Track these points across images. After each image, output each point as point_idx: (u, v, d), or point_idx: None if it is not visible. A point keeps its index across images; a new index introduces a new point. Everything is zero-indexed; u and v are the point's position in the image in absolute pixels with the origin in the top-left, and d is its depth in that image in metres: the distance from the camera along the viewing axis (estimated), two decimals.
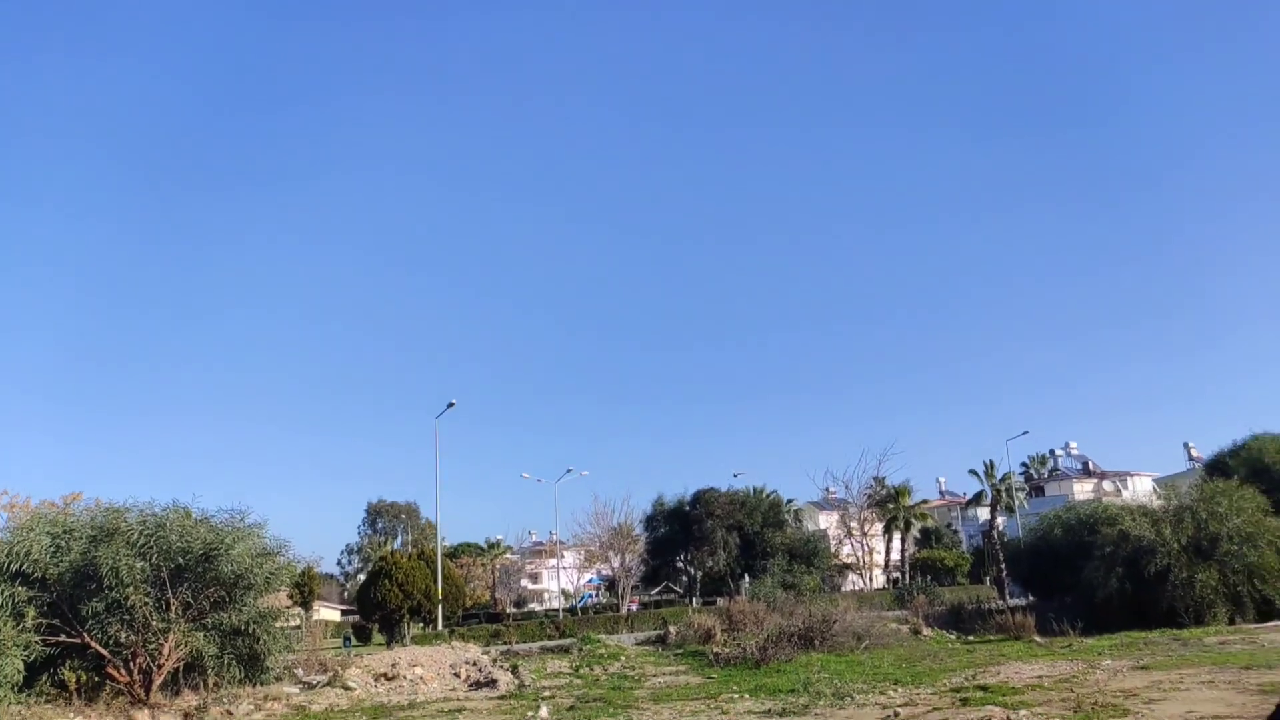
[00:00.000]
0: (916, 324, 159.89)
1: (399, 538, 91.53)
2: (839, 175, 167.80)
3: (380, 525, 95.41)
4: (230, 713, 23.51)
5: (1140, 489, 78.29)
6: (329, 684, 27.19)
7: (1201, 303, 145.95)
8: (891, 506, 65.84)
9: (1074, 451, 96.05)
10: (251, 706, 24.09)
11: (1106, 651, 27.92)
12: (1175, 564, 36.65)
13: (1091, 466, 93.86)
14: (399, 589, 42.00)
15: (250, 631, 25.66)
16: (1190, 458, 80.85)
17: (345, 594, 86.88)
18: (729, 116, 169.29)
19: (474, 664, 30.16)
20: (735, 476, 64.40)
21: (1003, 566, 52.07)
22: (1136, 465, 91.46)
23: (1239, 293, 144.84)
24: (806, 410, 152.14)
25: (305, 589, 51.17)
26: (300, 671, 28.72)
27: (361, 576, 69.99)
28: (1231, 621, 35.27)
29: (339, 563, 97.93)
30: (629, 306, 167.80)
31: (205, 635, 24.82)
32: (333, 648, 39.27)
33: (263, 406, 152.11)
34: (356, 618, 52.22)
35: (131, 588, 23.44)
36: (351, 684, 27.08)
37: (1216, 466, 48.11)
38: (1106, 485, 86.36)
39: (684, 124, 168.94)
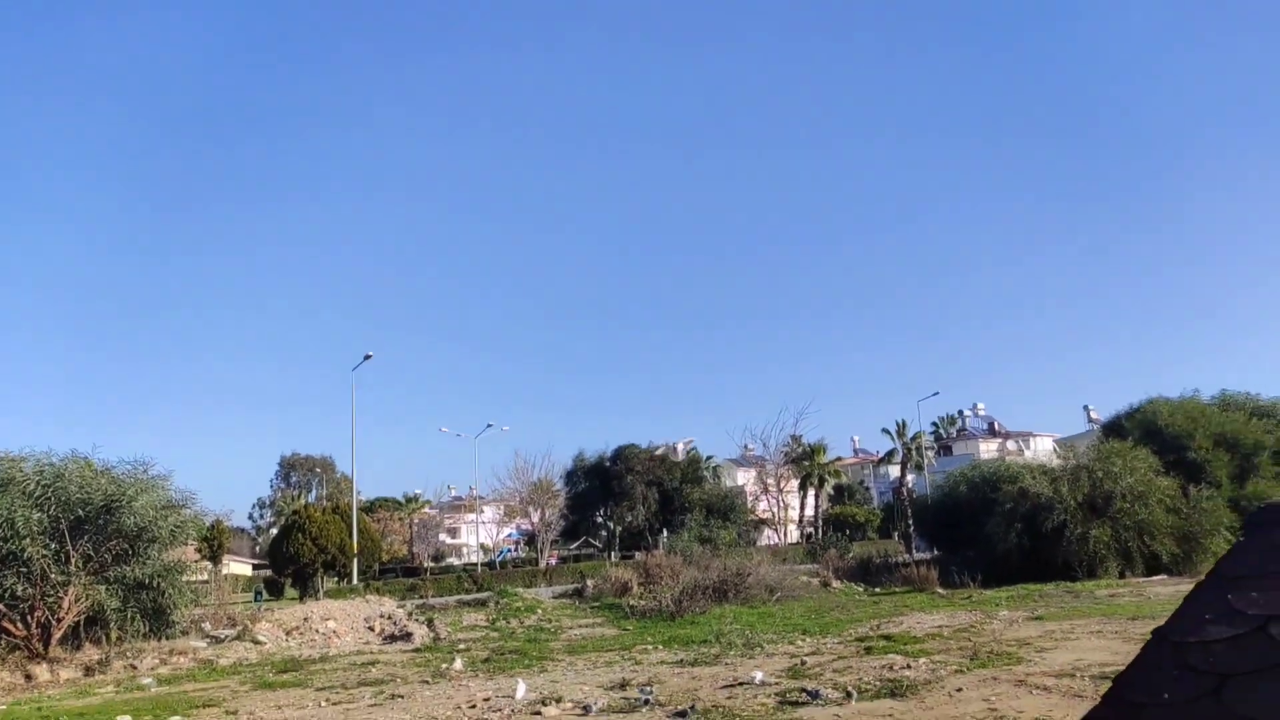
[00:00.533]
0: (838, 282, 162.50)
1: (313, 491, 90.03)
2: (754, 114, 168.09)
3: (294, 479, 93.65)
4: (134, 667, 23.00)
5: (1042, 449, 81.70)
6: (238, 638, 26.77)
7: (1108, 264, 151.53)
8: (807, 464, 67.34)
9: (981, 412, 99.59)
10: (156, 660, 23.61)
11: (1004, 603, 29.20)
12: (1071, 520, 38.39)
13: (997, 427, 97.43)
14: (312, 543, 41.40)
15: (155, 585, 25.15)
16: (1089, 420, 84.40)
17: (257, 548, 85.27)
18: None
19: (388, 617, 30.02)
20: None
21: (910, 522, 53.94)
22: (1039, 426, 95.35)
23: (1147, 261, 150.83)
24: (729, 367, 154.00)
25: (214, 542, 50.04)
26: (208, 625, 28.24)
27: (274, 530, 68.79)
28: (1121, 575, 37.22)
29: (250, 516, 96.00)
30: (549, 263, 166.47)
31: (107, 588, 24.22)
32: (243, 602, 38.61)
33: (173, 356, 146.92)
34: (269, 572, 51.38)
35: (28, 539, 22.68)
36: (261, 638, 26.70)
37: (1113, 428, 50.21)
38: (1010, 445, 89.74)
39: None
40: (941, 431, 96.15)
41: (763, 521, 69.19)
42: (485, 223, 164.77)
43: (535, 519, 61.73)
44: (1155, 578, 36.21)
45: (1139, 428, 46.29)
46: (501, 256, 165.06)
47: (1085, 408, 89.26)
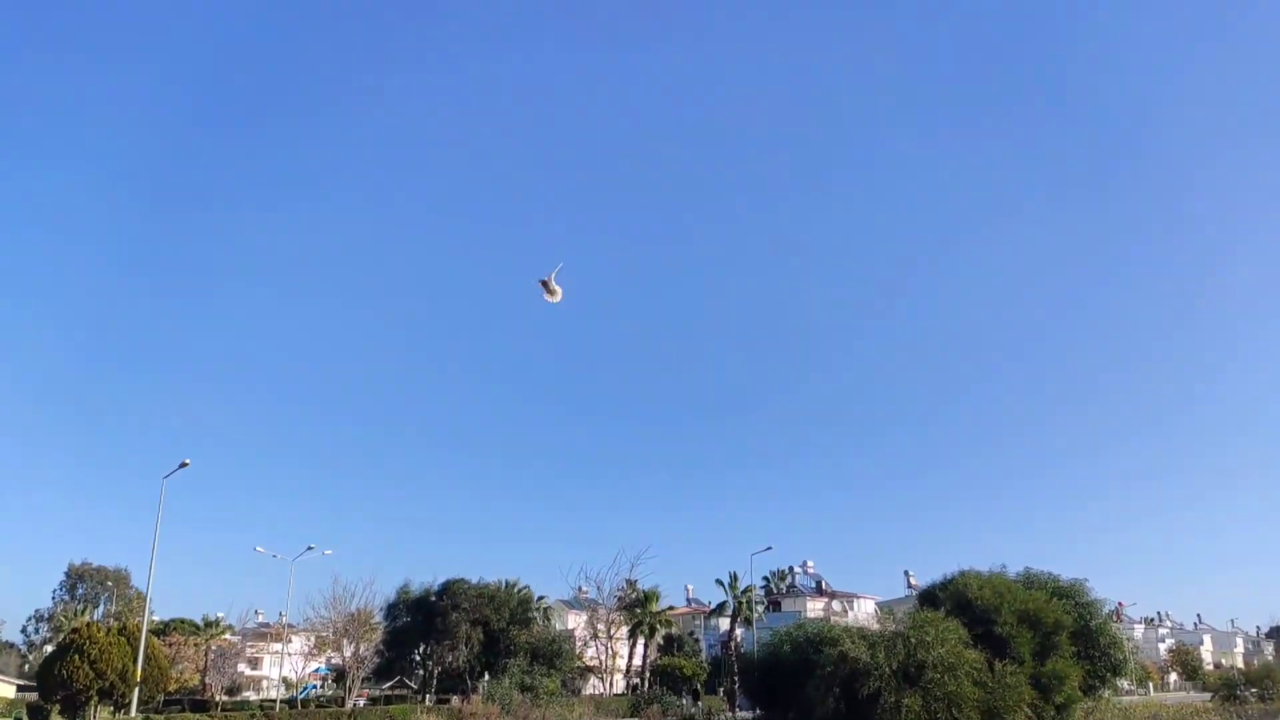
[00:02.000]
0: (681, 431, 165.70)
1: (101, 607, 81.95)
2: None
3: (81, 591, 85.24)
4: None
5: (864, 611, 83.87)
6: None
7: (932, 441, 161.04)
8: (639, 611, 66.58)
9: (810, 570, 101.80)
10: None
11: None
12: (886, 688, 38.97)
13: (824, 586, 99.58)
14: (90, 666, 37.38)
15: None
16: (909, 585, 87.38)
17: (27, 667, 76.33)
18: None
19: None
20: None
21: (735, 679, 53.60)
22: (864, 588, 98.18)
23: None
24: (569, 507, 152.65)
25: None
26: None
27: (50, 648, 61.88)
28: None
29: (24, 630, 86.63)
30: (387, 386, 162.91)
31: None
32: None
33: None
34: (36, 696, 45.96)
35: None
36: None
37: (928, 597, 51.81)
38: (836, 605, 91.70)
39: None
40: (773, 586, 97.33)
41: (589, 669, 67.42)
42: (326, 345, 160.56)
43: (348, 653, 57.97)
44: None
45: (951, 598, 47.99)
46: (343, 381, 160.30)
47: (906, 573, 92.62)
